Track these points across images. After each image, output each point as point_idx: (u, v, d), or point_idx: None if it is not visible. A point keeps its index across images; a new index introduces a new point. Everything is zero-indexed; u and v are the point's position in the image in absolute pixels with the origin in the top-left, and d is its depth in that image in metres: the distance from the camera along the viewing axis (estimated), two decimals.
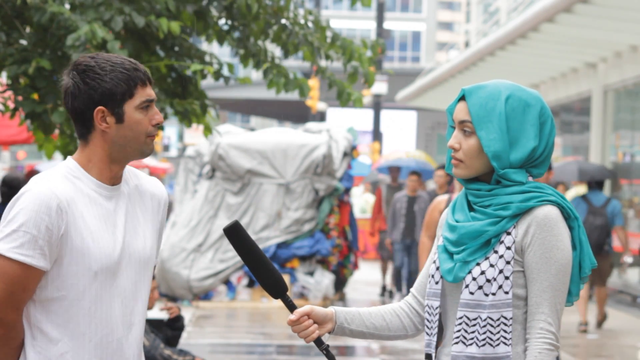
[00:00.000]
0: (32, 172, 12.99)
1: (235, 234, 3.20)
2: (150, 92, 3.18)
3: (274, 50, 7.95)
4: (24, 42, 7.03)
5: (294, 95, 8.02)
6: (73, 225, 3.09)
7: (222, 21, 7.78)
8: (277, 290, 3.24)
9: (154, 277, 7.40)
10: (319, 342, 3.23)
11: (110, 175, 3.20)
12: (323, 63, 8.23)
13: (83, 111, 3.15)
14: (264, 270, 3.22)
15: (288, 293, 3.26)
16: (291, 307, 3.22)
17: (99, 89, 3.12)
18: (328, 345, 3.25)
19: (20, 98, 6.95)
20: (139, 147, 3.18)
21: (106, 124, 3.14)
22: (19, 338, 3.11)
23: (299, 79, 7.78)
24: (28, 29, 7.01)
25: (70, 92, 3.15)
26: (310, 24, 7.91)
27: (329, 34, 7.91)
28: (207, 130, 7.53)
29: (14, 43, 6.98)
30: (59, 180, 3.13)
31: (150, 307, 7.45)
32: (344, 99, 7.88)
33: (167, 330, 7.52)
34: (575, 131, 22.89)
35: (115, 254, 3.16)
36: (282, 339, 12.89)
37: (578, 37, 18.38)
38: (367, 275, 21.38)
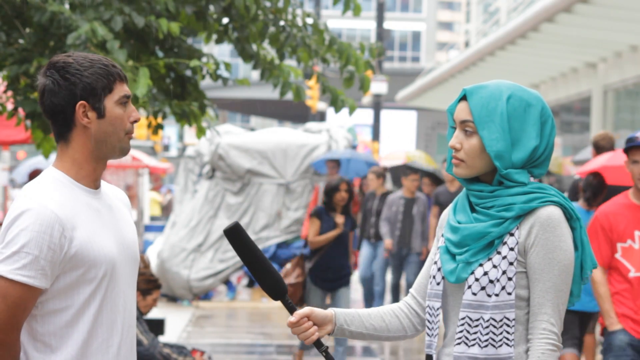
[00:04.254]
0: (36, 173, 12.93)
1: (236, 235, 3.20)
2: (127, 89, 3.19)
3: (272, 51, 7.94)
4: (23, 42, 7.02)
5: (292, 95, 8.01)
6: (77, 240, 3.08)
7: (220, 21, 7.78)
8: (277, 292, 3.23)
9: (159, 287, 7.39)
10: (318, 343, 3.22)
11: (94, 178, 3.20)
12: (320, 66, 8.22)
13: (64, 107, 3.13)
14: (264, 272, 3.22)
15: (287, 294, 3.26)
16: (291, 309, 3.21)
17: (80, 83, 3.12)
18: (327, 347, 3.24)
19: (20, 98, 6.94)
20: (118, 143, 3.18)
21: (87, 119, 3.14)
22: (17, 356, 3.10)
23: (292, 84, 7.77)
24: (28, 29, 7.00)
25: (48, 89, 3.14)
26: (308, 27, 7.90)
27: (326, 36, 7.90)
28: (201, 132, 7.53)
29: (14, 43, 6.97)
30: (54, 195, 3.10)
31: (145, 313, 7.46)
32: (338, 106, 7.89)
33: None
34: (575, 131, 22.89)
35: (115, 255, 3.16)
36: (282, 339, 12.89)
37: (578, 37, 18.39)
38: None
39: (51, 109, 3.16)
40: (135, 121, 3.20)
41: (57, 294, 3.09)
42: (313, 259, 9.90)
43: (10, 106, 7.52)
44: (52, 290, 3.08)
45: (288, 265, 10.04)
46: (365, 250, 14.41)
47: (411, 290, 3.37)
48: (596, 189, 8.82)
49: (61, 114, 3.15)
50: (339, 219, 9.95)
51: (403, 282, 14.87)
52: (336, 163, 15.49)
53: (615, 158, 9.46)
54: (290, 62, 8.36)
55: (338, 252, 9.96)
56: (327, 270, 9.84)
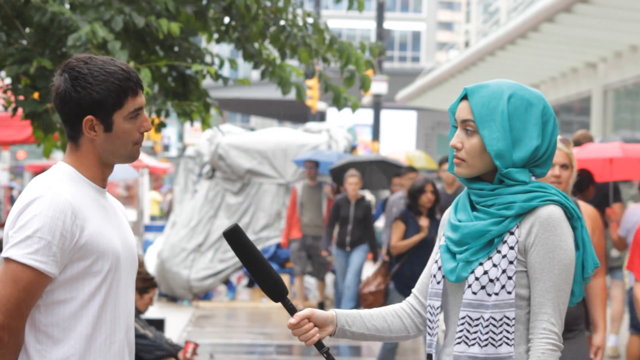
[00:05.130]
0: (40, 171, 12.91)
1: (235, 237, 3.19)
2: (140, 101, 3.17)
3: (273, 51, 7.95)
4: (24, 42, 7.02)
5: (293, 95, 8.01)
6: (87, 230, 3.09)
7: (221, 21, 7.78)
8: (277, 293, 3.22)
9: (156, 286, 7.43)
10: (319, 345, 3.21)
11: (102, 178, 3.23)
12: (320, 65, 8.23)
13: (72, 118, 3.15)
14: (264, 274, 3.21)
15: (288, 295, 3.25)
16: (291, 310, 3.20)
17: (89, 98, 3.11)
18: (328, 348, 3.23)
19: (21, 98, 6.94)
20: (127, 153, 3.20)
21: (94, 132, 3.14)
22: (21, 343, 3.10)
23: (294, 83, 7.77)
24: (28, 29, 7.00)
25: (60, 96, 3.15)
26: (308, 26, 7.91)
27: (327, 36, 7.90)
28: (205, 125, 7.52)
29: (14, 43, 6.97)
30: (66, 185, 3.12)
31: (143, 312, 7.49)
32: (340, 104, 7.88)
33: None
34: (575, 131, 22.87)
35: (120, 252, 3.18)
36: (282, 339, 12.88)
37: (578, 37, 18.39)
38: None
39: (61, 114, 3.17)
40: (146, 130, 3.20)
41: (63, 284, 3.09)
42: (396, 265, 9.51)
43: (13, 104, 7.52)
44: (59, 280, 3.08)
45: (370, 273, 9.66)
46: (340, 261, 13.69)
47: (413, 290, 3.36)
48: (579, 184, 8.80)
49: (70, 122, 3.16)
50: (423, 222, 9.51)
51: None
52: (314, 164, 15.14)
53: (579, 153, 9.49)
54: (291, 62, 8.36)
55: (423, 259, 9.18)
56: (412, 279, 9.12)
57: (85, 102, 3.11)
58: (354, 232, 13.62)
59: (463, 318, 3.10)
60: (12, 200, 23.06)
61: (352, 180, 13.63)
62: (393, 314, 3.33)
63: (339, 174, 14.86)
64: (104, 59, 3.16)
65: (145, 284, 7.41)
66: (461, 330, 3.10)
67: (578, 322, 5.24)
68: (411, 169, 13.88)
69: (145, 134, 3.26)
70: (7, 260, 3.04)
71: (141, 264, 7.60)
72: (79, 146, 3.18)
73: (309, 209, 14.93)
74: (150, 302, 7.50)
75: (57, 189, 3.09)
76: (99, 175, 3.21)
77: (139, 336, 6.98)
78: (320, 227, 14.81)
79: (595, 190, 9.19)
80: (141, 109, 3.18)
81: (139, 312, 7.40)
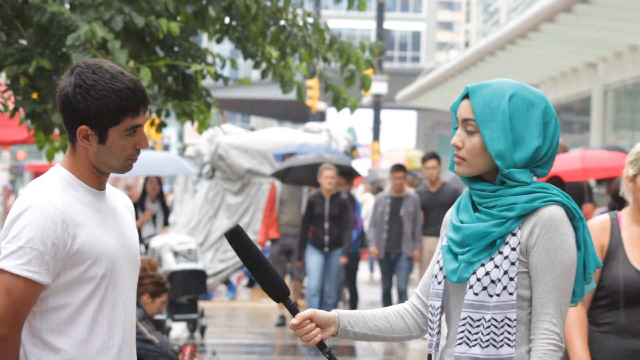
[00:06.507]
0: (39, 174, 12.89)
1: (237, 238, 3.18)
2: (141, 120, 3.15)
3: (273, 51, 7.95)
4: (24, 42, 7.02)
5: (293, 95, 8.01)
6: (79, 237, 3.09)
7: (221, 20, 7.78)
8: (278, 294, 3.21)
9: (167, 291, 7.40)
10: (321, 345, 3.21)
11: (99, 181, 3.22)
12: (320, 65, 8.23)
13: (69, 123, 3.15)
14: (266, 274, 3.20)
15: (290, 296, 3.25)
16: (293, 311, 3.20)
17: (86, 110, 3.10)
18: (330, 348, 3.23)
19: (20, 98, 6.94)
20: (119, 166, 3.19)
21: (87, 141, 3.14)
22: (18, 351, 3.11)
23: (296, 81, 7.78)
24: (28, 29, 7.00)
25: (62, 99, 3.14)
26: (309, 26, 7.91)
27: (327, 36, 7.90)
28: (202, 127, 7.51)
29: (14, 43, 6.97)
30: (58, 192, 3.12)
31: (152, 316, 7.45)
32: (340, 104, 7.88)
33: None
34: (575, 131, 22.91)
35: (117, 255, 3.17)
36: (282, 339, 12.88)
37: (578, 37, 18.40)
38: (368, 276, 21.39)
39: (62, 116, 3.18)
40: (142, 148, 3.19)
41: (56, 290, 3.10)
42: None
43: (11, 106, 7.51)
44: (53, 286, 3.09)
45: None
46: (315, 259, 12.57)
47: (416, 290, 3.36)
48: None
49: (67, 126, 3.17)
50: None
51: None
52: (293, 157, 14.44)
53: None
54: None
55: None
56: None
57: (82, 112, 3.10)
58: (332, 231, 12.54)
59: (464, 319, 3.09)
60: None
61: (327, 173, 12.44)
62: (395, 314, 3.32)
63: (284, 177, 14.11)
64: (114, 71, 3.13)
65: (157, 287, 7.37)
66: (462, 331, 3.10)
67: None
68: (399, 168, 13.20)
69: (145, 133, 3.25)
70: (0, 271, 3.05)
71: (154, 267, 7.57)
72: (76, 150, 3.18)
73: (289, 207, 14.13)
74: (162, 306, 7.46)
75: (47, 197, 3.09)
76: (95, 180, 3.20)
77: (144, 341, 6.94)
78: (300, 226, 13.75)
79: (567, 190, 9.21)
80: (140, 127, 3.16)
81: (148, 315, 7.36)
